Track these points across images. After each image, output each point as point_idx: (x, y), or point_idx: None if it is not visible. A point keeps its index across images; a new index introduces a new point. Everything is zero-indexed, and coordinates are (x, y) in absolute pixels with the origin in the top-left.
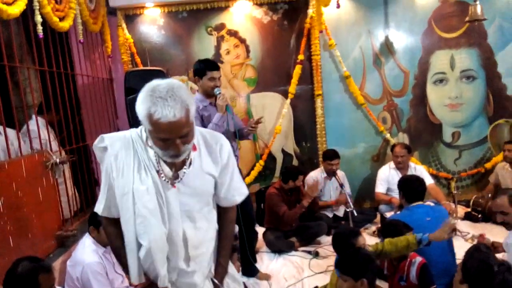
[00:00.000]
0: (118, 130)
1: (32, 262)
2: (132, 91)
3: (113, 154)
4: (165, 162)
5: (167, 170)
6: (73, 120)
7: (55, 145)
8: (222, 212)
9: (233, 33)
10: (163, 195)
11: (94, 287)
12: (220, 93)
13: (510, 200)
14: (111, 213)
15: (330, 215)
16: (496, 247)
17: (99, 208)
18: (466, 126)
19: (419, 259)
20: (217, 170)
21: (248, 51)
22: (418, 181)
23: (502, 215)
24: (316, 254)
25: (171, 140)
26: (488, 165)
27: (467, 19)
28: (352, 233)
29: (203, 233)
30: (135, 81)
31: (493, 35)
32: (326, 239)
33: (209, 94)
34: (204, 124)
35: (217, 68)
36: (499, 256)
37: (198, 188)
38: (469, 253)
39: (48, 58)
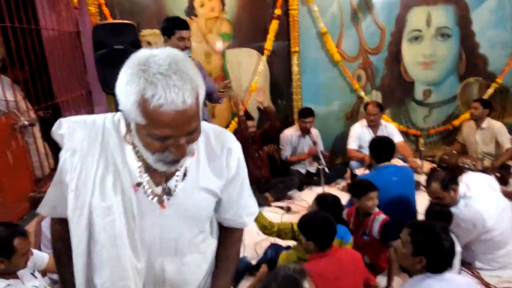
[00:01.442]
0: (88, 86)
1: (7, 228)
2: (101, 45)
3: (70, 148)
4: (152, 170)
5: (152, 182)
6: (40, 77)
7: (23, 105)
8: (225, 231)
9: None
10: (136, 218)
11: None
12: (190, 56)
13: (442, 185)
14: (56, 213)
15: (303, 171)
16: None
17: (42, 207)
18: (437, 84)
19: (382, 216)
20: (221, 184)
21: (223, 3)
22: (388, 142)
23: (438, 200)
24: (287, 210)
25: (173, 138)
26: (455, 122)
27: None
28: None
29: (193, 271)
30: (103, 35)
31: None
32: (298, 194)
33: None
34: None
35: (186, 27)
36: None
37: (191, 209)
38: (413, 225)
39: (9, 12)
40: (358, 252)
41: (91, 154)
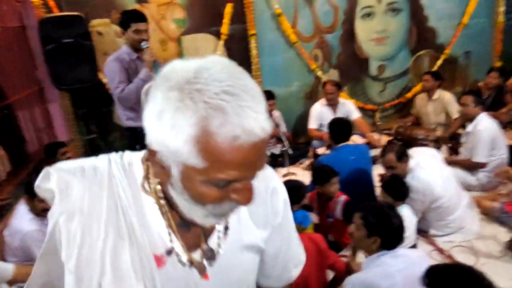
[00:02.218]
0: (39, 82)
1: None
2: (49, 40)
3: (65, 211)
4: (185, 228)
5: (185, 245)
6: None
7: None
8: None
9: None
10: None
11: (36, 255)
12: (147, 47)
13: (397, 156)
14: None
15: (268, 153)
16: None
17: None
18: (390, 59)
19: (343, 197)
20: (265, 236)
21: None
22: (345, 123)
23: (391, 169)
24: None
25: (241, 181)
26: (408, 95)
27: None
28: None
29: None
30: (51, 29)
31: None
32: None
33: (136, 47)
34: (130, 79)
35: (142, 20)
36: None
37: (239, 275)
38: (364, 208)
39: None
40: (318, 234)
41: (96, 217)
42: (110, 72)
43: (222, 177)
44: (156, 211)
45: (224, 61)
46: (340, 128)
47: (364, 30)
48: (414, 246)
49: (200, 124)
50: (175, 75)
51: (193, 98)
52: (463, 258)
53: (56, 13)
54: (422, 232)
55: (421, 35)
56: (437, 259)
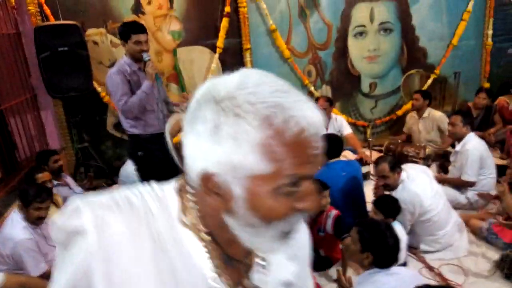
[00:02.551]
0: (32, 89)
1: None
2: (44, 48)
3: (103, 250)
4: (228, 262)
5: (229, 282)
6: None
7: None
8: None
9: None
10: None
11: (28, 263)
12: (149, 59)
13: (390, 166)
14: None
15: None
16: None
17: None
18: (382, 77)
19: (334, 212)
20: (296, 269)
21: (171, 1)
22: (336, 140)
23: (383, 179)
24: None
25: (307, 181)
26: (399, 112)
27: None
28: None
29: None
30: (46, 37)
31: None
32: None
33: (137, 58)
34: (133, 90)
35: (142, 31)
36: None
37: None
38: (361, 224)
39: None
40: None
41: (140, 264)
42: (113, 85)
43: (292, 173)
44: (199, 246)
45: (255, 70)
46: (332, 144)
47: (356, 48)
48: (404, 264)
49: (264, 124)
50: (220, 88)
51: (249, 101)
52: (453, 276)
53: (52, 21)
54: (412, 248)
55: (412, 55)
56: (426, 277)
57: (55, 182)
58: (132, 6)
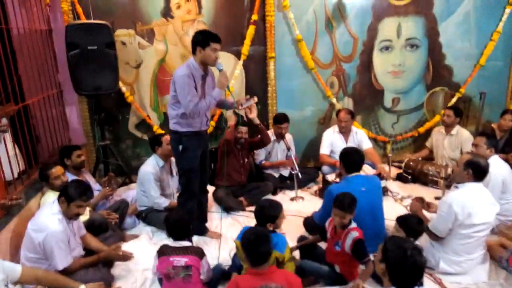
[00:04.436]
0: (59, 85)
1: None
2: (74, 46)
3: None
4: None
5: None
6: (11, 79)
7: None
8: None
9: None
10: None
11: (56, 254)
12: (222, 69)
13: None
14: None
15: (276, 175)
16: (430, 206)
17: None
18: (405, 93)
19: (356, 233)
20: None
21: (200, 6)
22: (357, 153)
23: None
24: None
25: None
26: (421, 130)
27: None
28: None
29: None
30: (77, 35)
31: (439, 5)
32: (272, 198)
33: (207, 65)
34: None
35: (220, 41)
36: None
37: None
38: (390, 238)
39: None
40: (298, 278)
41: None
42: (184, 86)
43: None
44: None
45: None
46: (352, 158)
47: (381, 62)
48: (421, 284)
49: None
50: None
51: None
52: None
53: (83, 20)
54: (429, 268)
55: (437, 72)
56: None
57: (74, 178)
58: (161, 9)
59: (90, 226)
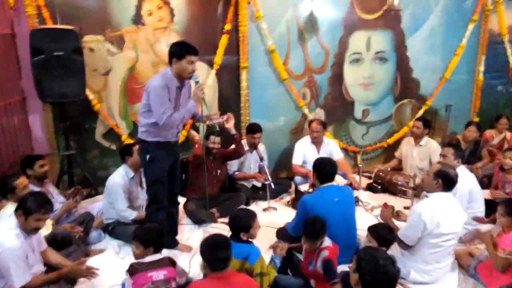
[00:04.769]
0: (22, 92)
1: None
2: (39, 51)
3: None
4: None
5: None
6: None
7: None
8: None
9: None
10: None
11: (12, 272)
12: (198, 82)
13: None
14: None
15: (249, 186)
16: (399, 215)
17: None
18: (375, 104)
19: (325, 253)
20: None
21: (172, 14)
22: (331, 164)
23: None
24: None
25: None
26: (390, 141)
27: (385, 7)
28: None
29: None
30: (42, 41)
31: (407, 20)
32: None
33: (182, 77)
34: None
35: (197, 53)
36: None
37: None
38: (363, 248)
39: None
40: (254, 281)
41: None
42: (158, 98)
43: None
44: None
45: None
46: (326, 168)
47: (352, 74)
48: None
49: None
50: None
51: None
52: None
53: (50, 25)
54: (400, 278)
55: (405, 85)
56: None
57: (36, 189)
58: (132, 16)
59: (53, 241)
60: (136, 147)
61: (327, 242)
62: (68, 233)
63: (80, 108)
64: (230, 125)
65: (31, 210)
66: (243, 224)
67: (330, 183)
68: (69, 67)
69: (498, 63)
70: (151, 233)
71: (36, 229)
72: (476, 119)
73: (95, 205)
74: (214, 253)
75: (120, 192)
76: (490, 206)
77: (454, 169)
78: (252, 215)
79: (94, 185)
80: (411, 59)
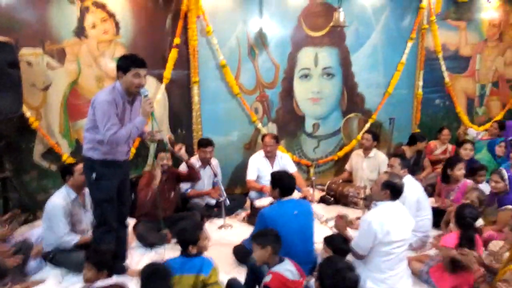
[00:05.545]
0: None
1: None
2: None
3: None
4: None
5: None
6: None
7: None
8: None
9: (100, 5)
10: None
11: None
12: (147, 96)
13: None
14: None
15: (203, 203)
16: (353, 223)
17: None
18: (324, 119)
19: (268, 278)
20: None
21: (118, 27)
22: (291, 177)
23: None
24: None
25: None
26: (340, 153)
27: (331, 24)
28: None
29: None
30: None
31: (350, 37)
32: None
33: (130, 91)
34: (119, 122)
35: (143, 66)
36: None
37: None
38: (325, 259)
39: None
40: None
41: None
42: (104, 112)
43: None
44: None
45: None
46: (287, 182)
47: (301, 90)
48: None
49: None
50: None
51: None
52: None
53: None
54: None
55: (351, 99)
56: None
57: None
58: (74, 28)
59: None
60: (78, 166)
61: (280, 267)
62: (3, 262)
63: (16, 126)
64: (182, 152)
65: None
66: (190, 237)
67: (289, 197)
68: (4, 81)
69: (434, 78)
70: (106, 255)
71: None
72: (417, 131)
73: (33, 232)
74: (152, 283)
75: (61, 214)
76: (437, 213)
77: (400, 178)
78: (199, 227)
79: (33, 209)
80: (356, 75)
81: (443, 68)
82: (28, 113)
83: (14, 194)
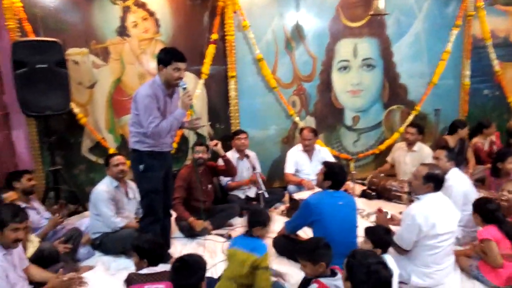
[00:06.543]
0: (5, 107)
1: None
2: (21, 64)
3: None
4: None
5: None
6: None
7: None
8: None
9: (141, 5)
10: None
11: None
12: (185, 88)
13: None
14: None
15: (242, 196)
16: (393, 219)
17: None
18: (364, 111)
19: (314, 286)
20: None
21: (158, 25)
22: (344, 172)
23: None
24: (229, 237)
25: None
26: (381, 147)
27: (371, 12)
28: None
29: None
30: (24, 53)
31: (391, 27)
32: (239, 221)
33: (170, 84)
34: (161, 115)
35: (183, 59)
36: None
37: None
38: (352, 254)
39: None
40: None
41: None
42: (146, 107)
43: None
44: None
45: None
46: (340, 175)
47: (340, 82)
48: None
49: None
50: None
51: None
52: None
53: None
54: (401, 283)
55: (393, 91)
56: None
57: (23, 205)
58: (117, 28)
59: (39, 257)
60: (113, 158)
61: (329, 281)
62: (55, 249)
63: (65, 122)
64: (218, 148)
65: (5, 220)
66: (263, 220)
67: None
68: (53, 80)
69: (482, 68)
70: (146, 244)
71: (15, 241)
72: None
73: (83, 221)
74: (186, 277)
75: (105, 199)
76: None
77: (438, 167)
78: (269, 217)
79: (82, 201)
80: (397, 65)
81: (492, 56)
82: (76, 109)
83: (65, 187)
